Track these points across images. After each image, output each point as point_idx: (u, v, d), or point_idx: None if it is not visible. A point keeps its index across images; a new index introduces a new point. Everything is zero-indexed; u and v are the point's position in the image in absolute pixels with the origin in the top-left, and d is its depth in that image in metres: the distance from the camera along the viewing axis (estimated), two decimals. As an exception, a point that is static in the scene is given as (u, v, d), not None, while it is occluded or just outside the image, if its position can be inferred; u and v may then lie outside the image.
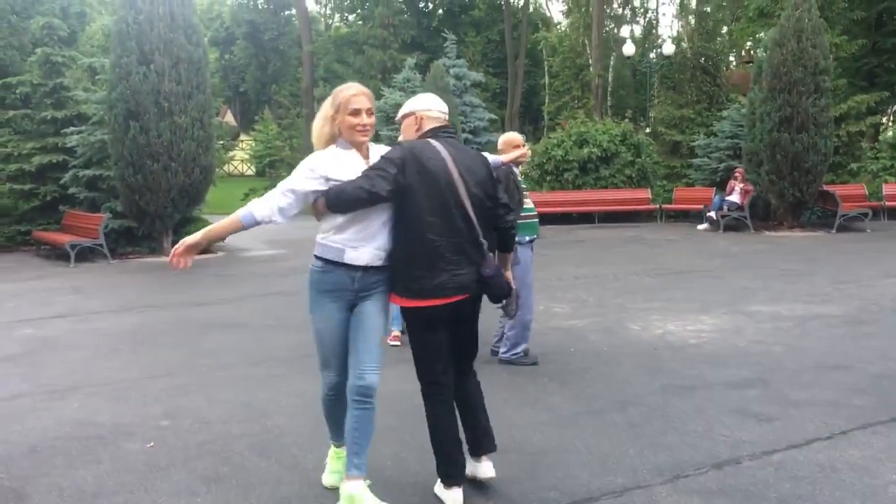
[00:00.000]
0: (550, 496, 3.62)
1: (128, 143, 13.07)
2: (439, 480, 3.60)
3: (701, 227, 16.48)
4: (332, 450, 3.82)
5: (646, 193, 18.72)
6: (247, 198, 26.27)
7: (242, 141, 44.96)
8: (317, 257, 3.47)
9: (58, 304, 9.24)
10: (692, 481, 3.74)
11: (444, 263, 3.38)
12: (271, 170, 26.98)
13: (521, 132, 33.16)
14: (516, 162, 5.44)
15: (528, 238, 5.89)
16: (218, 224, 3.45)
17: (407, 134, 3.70)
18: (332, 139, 3.48)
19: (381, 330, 3.51)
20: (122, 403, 5.21)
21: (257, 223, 3.34)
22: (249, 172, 44.52)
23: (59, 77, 16.17)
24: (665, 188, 20.00)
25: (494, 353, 6.15)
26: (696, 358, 6.06)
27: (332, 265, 3.41)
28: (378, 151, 3.48)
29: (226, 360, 6.39)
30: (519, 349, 6.02)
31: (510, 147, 5.76)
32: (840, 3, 21.50)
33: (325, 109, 3.48)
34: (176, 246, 3.36)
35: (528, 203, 5.90)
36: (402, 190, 3.34)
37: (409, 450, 4.20)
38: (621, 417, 4.69)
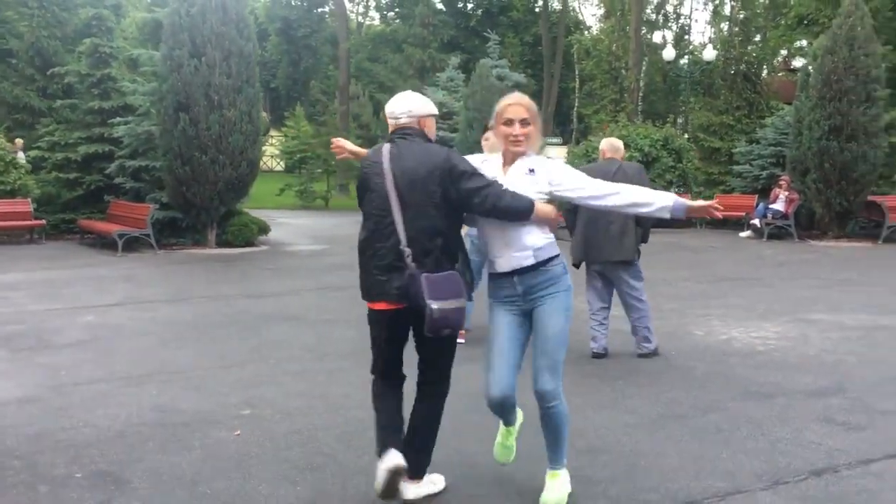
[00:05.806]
0: (652, 498, 3.59)
1: (177, 134, 13.15)
2: None
3: (744, 234, 16.33)
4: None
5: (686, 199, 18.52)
6: (282, 192, 26.14)
7: (272, 136, 45.01)
8: None
9: (114, 291, 9.29)
10: (794, 488, 3.70)
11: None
12: (304, 166, 26.75)
13: (553, 135, 33.05)
14: None
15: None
16: None
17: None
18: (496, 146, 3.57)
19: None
20: (199, 392, 5.23)
21: None
22: (278, 168, 44.59)
23: (106, 68, 16.30)
24: (703, 195, 19.82)
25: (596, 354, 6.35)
26: (768, 365, 5.99)
27: None
28: (532, 163, 3.43)
29: (291, 352, 6.41)
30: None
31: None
32: (885, 12, 21.21)
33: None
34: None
35: None
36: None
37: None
38: (706, 422, 4.65)
